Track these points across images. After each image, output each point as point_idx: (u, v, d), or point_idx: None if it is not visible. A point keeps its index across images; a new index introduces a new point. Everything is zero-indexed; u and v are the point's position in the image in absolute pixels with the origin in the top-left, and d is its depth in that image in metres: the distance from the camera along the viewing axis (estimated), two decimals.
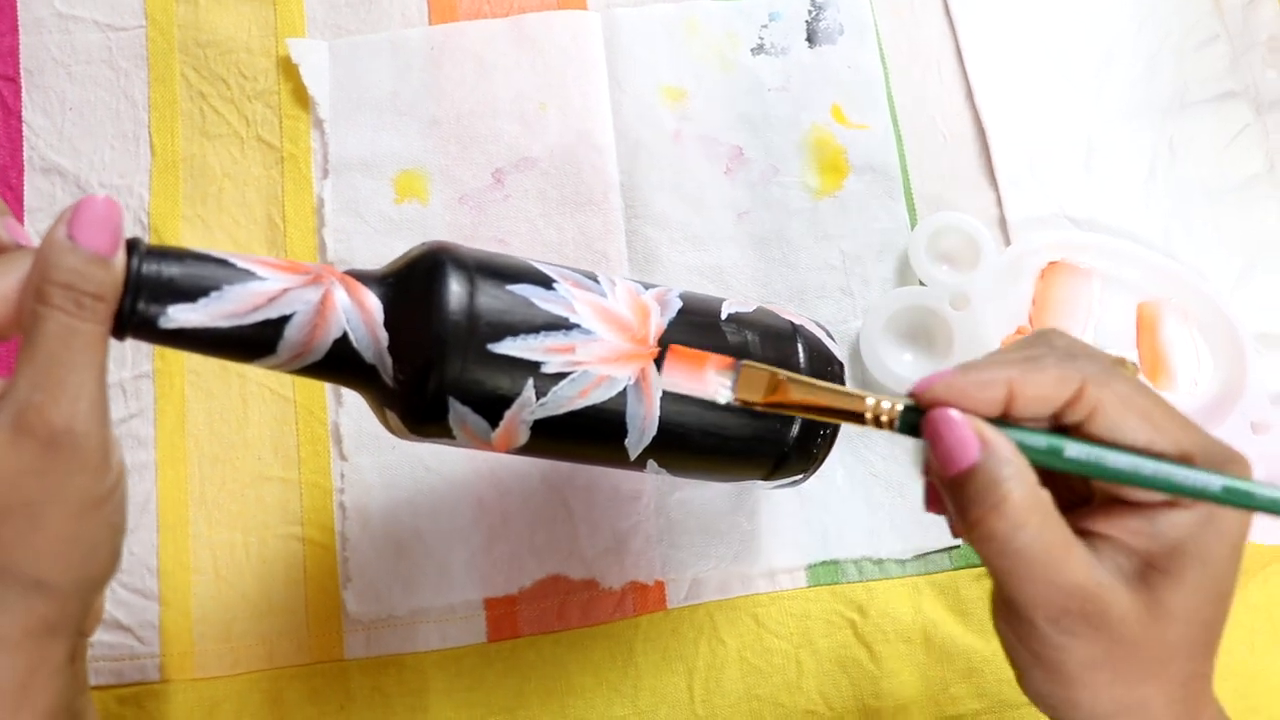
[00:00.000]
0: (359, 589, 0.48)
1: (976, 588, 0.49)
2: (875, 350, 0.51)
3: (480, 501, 0.49)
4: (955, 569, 0.50)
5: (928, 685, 0.48)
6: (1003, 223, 0.54)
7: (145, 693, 0.47)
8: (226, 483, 0.50)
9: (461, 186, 0.54)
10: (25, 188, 0.53)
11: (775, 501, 0.50)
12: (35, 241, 0.31)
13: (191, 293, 0.31)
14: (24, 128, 0.54)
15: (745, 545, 0.49)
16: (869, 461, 0.51)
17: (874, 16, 0.57)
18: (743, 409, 0.32)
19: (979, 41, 0.57)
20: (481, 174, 0.54)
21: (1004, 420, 0.31)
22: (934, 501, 0.34)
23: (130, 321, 0.31)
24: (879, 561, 0.50)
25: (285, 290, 0.32)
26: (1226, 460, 0.30)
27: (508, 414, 0.35)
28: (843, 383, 0.40)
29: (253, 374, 0.51)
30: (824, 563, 0.50)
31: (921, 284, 0.52)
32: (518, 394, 0.35)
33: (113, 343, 0.31)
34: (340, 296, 0.33)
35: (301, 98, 0.55)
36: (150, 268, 0.31)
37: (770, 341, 0.39)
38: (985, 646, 0.48)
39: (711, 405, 0.34)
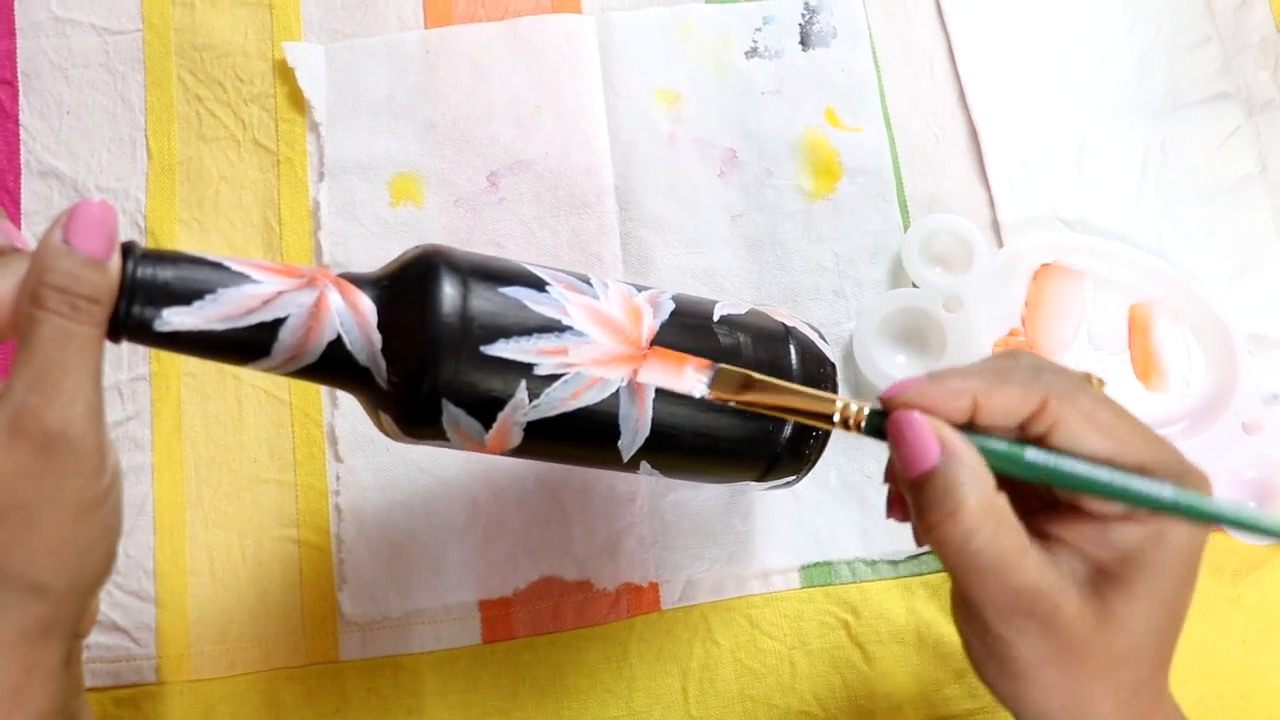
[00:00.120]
0: (354, 591, 0.48)
1: None
2: (868, 352, 0.51)
3: (475, 503, 0.49)
4: None
5: (921, 686, 0.48)
6: (995, 225, 0.55)
7: (142, 694, 0.47)
8: (222, 485, 0.50)
9: (456, 189, 0.54)
10: (22, 191, 0.54)
11: (769, 503, 0.50)
12: (32, 245, 0.31)
13: (186, 296, 0.31)
14: (21, 131, 0.54)
15: (739, 547, 0.49)
16: (862, 463, 0.51)
17: (867, 19, 0.58)
18: (733, 410, 0.33)
19: (971, 44, 0.57)
20: (476, 177, 0.54)
21: (969, 427, 0.32)
22: (896, 508, 0.35)
23: (125, 324, 0.31)
24: (872, 563, 0.50)
25: (279, 293, 0.33)
26: (1183, 474, 0.31)
27: (501, 416, 0.35)
28: (835, 384, 0.40)
29: (248, 376, 0.51)
30: (817, 564, 0.50)
31: (915, 286, 0.53)
32: (511, 396, 0.35)
33: (109, 346, 0.31)
34: (334, 299, 0.34)
35: (297, 101, 0.55)
36: (145, 271, 0.31)
37: (763, 343, 0.39)
38: None
39: (703, 406, 0.36)
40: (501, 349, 0.34)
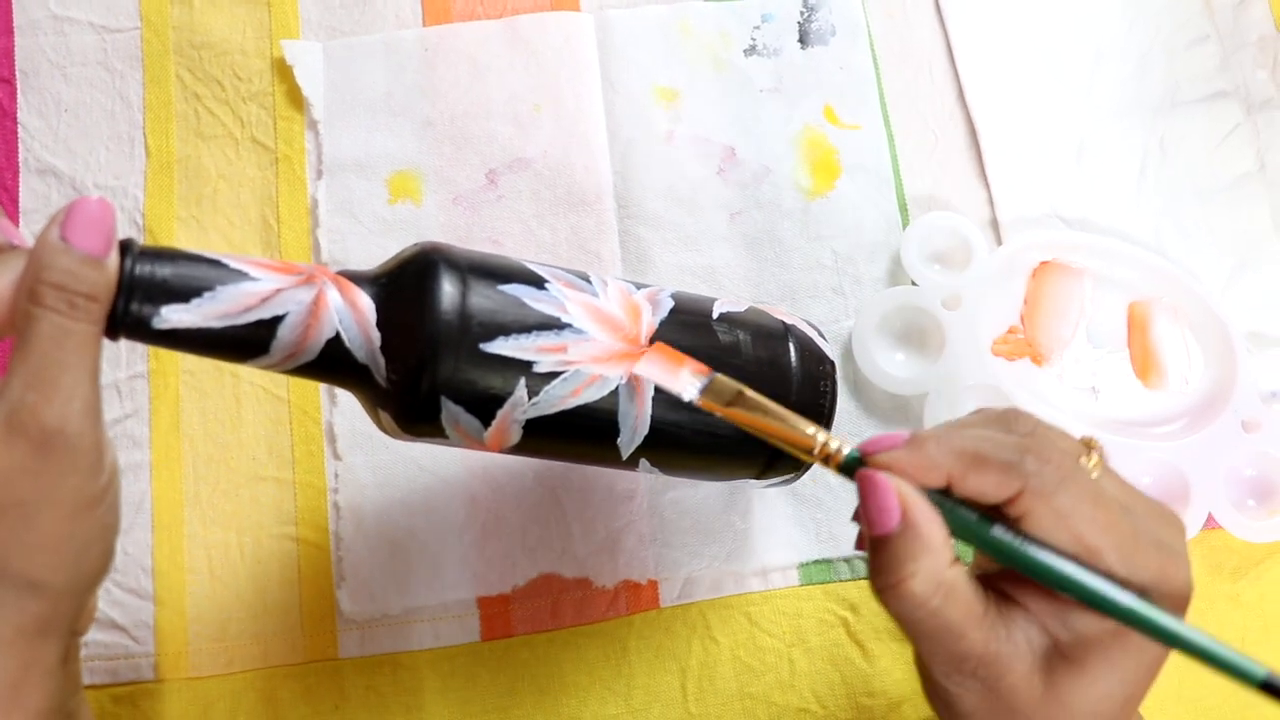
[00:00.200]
0: (353, 588, 0.48)
1: None
2: (867, 350, 0.51)
3: (473, 500, 0.49)
4: None
5: (919, 683, 0.48)
6: (994, 222, 0.55)
7: (140, 692, 0.47)
8: (221, 483, 0.50)
9: (455, 187, 0.54)
10: (20, 189, 0.53)
11: (768, 501, 0.50)
12: (29, 243, 0.31)
13: (184, 293, 0.31)
14: (19, 129, 0.54)
15: (738, 544, 0.49)
16: None
17: (866, 17, 0.58)
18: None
19: (970, 42, 0.57)
20: (475, 175, 0.54)
21: (945, 490, 0.32)
22: (864, 543, 0.35)
23: (123, 322, 0.31)
24: None
25: (278, 290, 0.33)
26: (1162, 582, 0.30)
27: (500, 413, 0.35)
28: (834, 382, 0.40)
29: (246, 374, 0.51)
30: (816, 561, 0.50)
31: (913, 284, 0.53)
32: (510, 393, 0.35)
33: (107, 343, 0.31)
34: (333, 297, 0.34)
35: (296, 99, 0.55)
36: (143, 268, 0.31)
37: (762, 341, 0.39)
38: None
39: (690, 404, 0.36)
40: (501, 346, 0.34)
